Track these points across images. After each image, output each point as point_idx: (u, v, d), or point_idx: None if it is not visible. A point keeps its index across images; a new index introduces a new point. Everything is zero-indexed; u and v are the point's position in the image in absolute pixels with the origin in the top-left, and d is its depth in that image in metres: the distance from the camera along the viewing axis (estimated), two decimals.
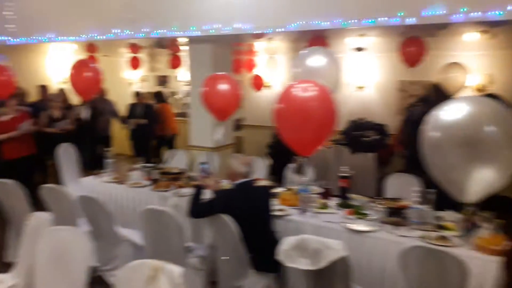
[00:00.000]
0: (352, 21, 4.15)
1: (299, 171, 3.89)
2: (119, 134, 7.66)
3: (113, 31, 5.19)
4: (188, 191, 4.06)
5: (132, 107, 7.09)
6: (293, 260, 2.59)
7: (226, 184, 3.95)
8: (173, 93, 9.53)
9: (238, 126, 7.20)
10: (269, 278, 3.06)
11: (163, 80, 9.62)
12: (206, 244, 3.70)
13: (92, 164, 6.28)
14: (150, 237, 3.28)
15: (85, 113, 4.39)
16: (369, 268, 2.95)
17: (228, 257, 3.12)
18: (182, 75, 8.99)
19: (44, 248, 2.54)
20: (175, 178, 4.44)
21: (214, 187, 3.34)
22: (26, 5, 6.06)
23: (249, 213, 3.01)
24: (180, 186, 4.20)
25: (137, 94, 7.15)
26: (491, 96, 4.10)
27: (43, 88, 7.24)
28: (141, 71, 9.18)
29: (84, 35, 5.49)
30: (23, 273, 2.77)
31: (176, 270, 2.06)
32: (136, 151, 7.17)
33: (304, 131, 3.13)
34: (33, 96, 7.09)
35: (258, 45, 7.54)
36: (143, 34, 4.93)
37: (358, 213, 3.32)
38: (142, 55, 8.20)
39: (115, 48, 8.17)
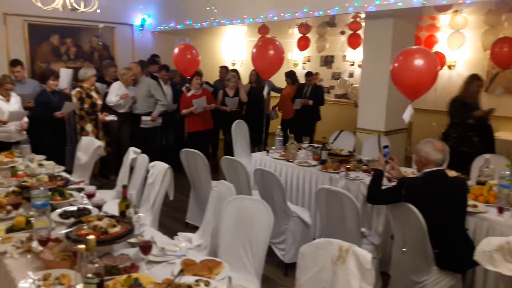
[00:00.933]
0: None
1: None
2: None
3: (290, 11, 5.19)
4: (358, 174, 3.91)
5: (300, 87, 7.15)
6: (495, 263, 2.22)
7: (407, 171, 3.67)
8: (338, 74, 9.36)
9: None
10: (455, 278, 2.73)
11: (328, 60, 9.51)
12: (379, 232, 3.51)
13: (260, 140, 6.60)
14: (323, 217, 3.22)
15: (266, 91, 4.52)
16: None
17: (406, 249, 2.87)
18: (351, 55, 8.72)
19: (229, 214, 2.66)
20: (343, 160, 4.32)
21: (396, 174, 3.08)
22: None
23: (440, 206, 2.69)
24: (349, 169, 4.06)
25: (308, 75, 7.15)
26: None
27: (224, 68, 7.84)
28: (305, 52, 9.20)
29: (262, 16, 5.63)
30: (208, 235, 2.96)
31: (366, 255, 1.93)
32: (296, 131, 7.24)
33: None
34: (210, 76, 7.73)
35: (441, 19, 6.78)
36: (321, 12, 4.81)
37: None
38: (310, 35, 8.18)
39: (285, 29, 8.33)
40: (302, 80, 7.51)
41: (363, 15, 5.63)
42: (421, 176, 2.86)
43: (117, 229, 2.20)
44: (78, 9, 3.81)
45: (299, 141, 5.11)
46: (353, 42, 7.58)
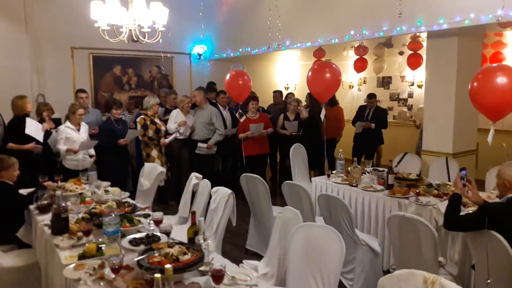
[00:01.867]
0: None
1: None
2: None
3: (350, 33, 5.11)
4: (429, 199, 3.69)
5: (361, 109, 6.98)
6: None
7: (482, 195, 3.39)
8: (396, 95, 9.09)
9: None
10: None
11: (385, 81, 9.28)
12: (455, 261, 3.26)
13: (317, 164, 6.46)
14: (395, 246, 3.03)
15: (323, 114, 4.43)
16: None
17: (491, 281, 2.62)
18: (410, 75, 8.45)
19: (297, 242, 2.55)
20: (411, 184, 4.10)
21: (475, 198, 2.86)
22: (264, 17, 6.59)
23: None
24: (419, 194, 3.84)
25: (370, 97, 6.98)
26: None
27: (278, 93, 7.85)
28: (361, 73, 9.03)
29: (320, 40, 5.59)
30: (274, 263, 2.87)
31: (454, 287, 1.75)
32: (356, 155, 7.03)
33: None
34: (263, 100, 7.73)
35: (508, 35, 6.42)
36: (382, 33, 4.69)
37: None
38: (367, 57, 8.02)
39: (339, 51, 8.26)
40: (359, 102, 7.32)
41: (423, 35, 5.43)
42: (505, 201, 2.63)
43: (188, 257, 2.17)
44: (143, 41, 3.95)
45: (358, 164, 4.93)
46: (413, 62, 7.31)
